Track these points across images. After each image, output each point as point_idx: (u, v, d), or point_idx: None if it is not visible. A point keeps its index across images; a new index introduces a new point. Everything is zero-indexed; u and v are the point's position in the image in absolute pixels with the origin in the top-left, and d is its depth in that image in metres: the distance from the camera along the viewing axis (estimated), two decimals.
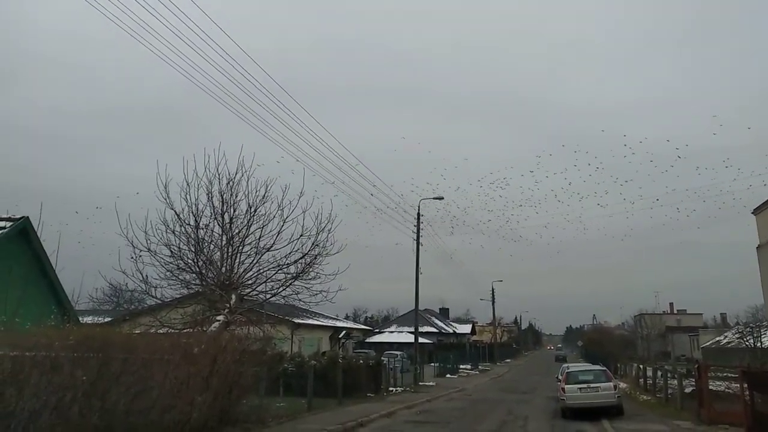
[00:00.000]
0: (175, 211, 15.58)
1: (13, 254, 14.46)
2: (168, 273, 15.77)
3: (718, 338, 52.04)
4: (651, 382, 27.18)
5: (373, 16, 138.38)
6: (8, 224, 14.73)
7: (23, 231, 15.20)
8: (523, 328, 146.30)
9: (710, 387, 17.00)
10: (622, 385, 27.19)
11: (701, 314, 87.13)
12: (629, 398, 24.35)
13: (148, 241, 15.19)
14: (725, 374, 19.16)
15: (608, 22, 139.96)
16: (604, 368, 22.33)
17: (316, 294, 16.96)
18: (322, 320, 43.94)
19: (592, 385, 18.78)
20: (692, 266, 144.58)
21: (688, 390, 19.95)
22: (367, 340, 58.08)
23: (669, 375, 24.00)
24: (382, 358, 30.31)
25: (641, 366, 32.96)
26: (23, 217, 15.09)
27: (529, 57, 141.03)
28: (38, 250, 15.01)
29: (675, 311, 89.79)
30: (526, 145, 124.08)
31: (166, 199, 15.50)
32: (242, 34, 18.56)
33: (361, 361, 25.85)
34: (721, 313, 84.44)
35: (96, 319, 18.99)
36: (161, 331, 15.21)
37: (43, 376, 8.49)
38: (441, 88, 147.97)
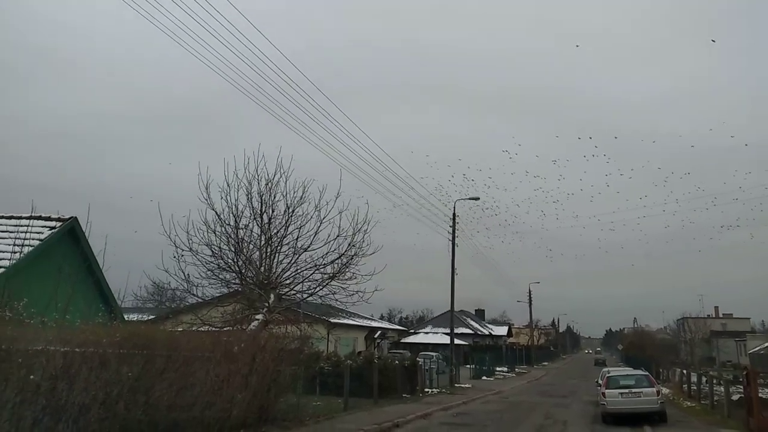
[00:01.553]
0: (215, 212, 15.94)
1: (62, 253, 15.00)
2: (209, 272, 16.15)
3: (766, 344, 50.10)
4: (695, 388, 26.34)
5: (400, 15, 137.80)
6: (58, 224, 15.28)
7: (72, 231, 15.75)
8: (561, 330, 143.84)
9: (760, 395, 16.36)
10: (665, 390, 26.43)
11: (749, 318, 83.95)
12: (672, 404, 23.64)
13: (190, 241, 15.59)
14: None
15: (634, 12, 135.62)
16: (646, 373, 21.74)
17: (353, 294, 17.10)
18: (357, 320, 44.20)
19: (633, 390, 18.30)
20: (739, 268, 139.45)
21: (735, 397, 19.25)
22: (402, 341, 58.06)
23: (715, 381, 23.22)
24: (418, 358, 30.23)
25: (685, 371, 31.99)
26: (72, 217, 15.65)
27: (554, 52, 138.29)
28: (86, 249, 15.52)
29: (720, 315, 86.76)
30: (558, 142, 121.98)
31: (206, 200, 15.87)
32: (272, 33, 18.69)
33: (397, 362, 25.85)
34: None
35: (140, 316, 19.53)
36: (202, 329, 15.56)
37: (92, 372, 8.76)
38: (468, 85, 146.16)
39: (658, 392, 18.45)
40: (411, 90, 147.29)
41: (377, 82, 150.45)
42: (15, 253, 12.42)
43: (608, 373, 22.15)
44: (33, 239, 13.99)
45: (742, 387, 18.74)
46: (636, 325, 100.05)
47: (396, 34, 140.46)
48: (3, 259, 13.07)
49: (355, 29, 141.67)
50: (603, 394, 18.73)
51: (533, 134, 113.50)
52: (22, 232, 13.06)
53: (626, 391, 18.29)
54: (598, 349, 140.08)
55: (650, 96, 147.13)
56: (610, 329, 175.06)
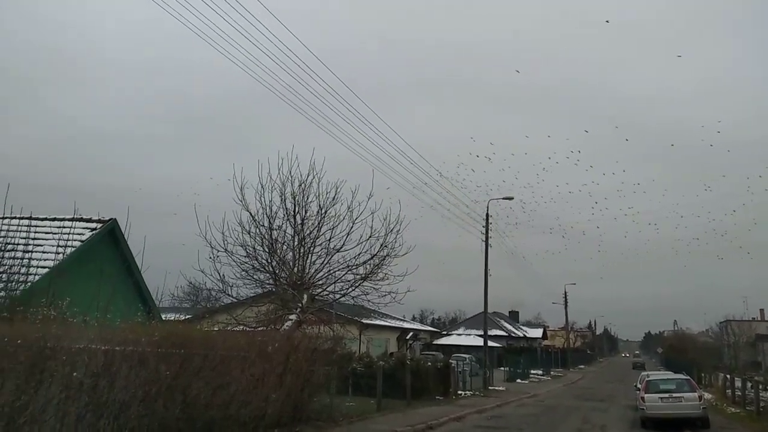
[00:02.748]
0: (250, 213, 16.17)
1: (102, 254, 15.40)
2: (243, 273, 16.41)
3: None
4: (740, 393, 25.43)
5: (429, 11, 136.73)
6: (98, 226, 15.71)
7: (111, 232, 16.17)
8: (598, 333, 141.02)
9: None
10: (707, 395, 25.62)
11: None
12: (715, 410, 22.89)
13: (225, 242, 15.86)
14: None
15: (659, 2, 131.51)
16: (688, 377, 21.10)
17: (385, 295, 17.12)
18: (389, 321, 44.19)
19: (674, 394, 17.77)
20: None
21: None
22: (435, 342, 57.78)
23: (761, 386, 22.37)
24: (450, 360, 30.04)
25: (728, 376, 30.92)
26: (111, 219, 16.06)
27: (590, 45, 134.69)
28: (125, 250, 15.92)
29: (766, 318, 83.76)
30: (591, 138, 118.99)
31: (241, 201, 16.11)
32: (300, 32, 18.66)
33: (429, 363, 25.74)
34: None
35: (176, 316, 19.92)
36: (237, 329, 15.79)
37: (131, 370, 8.97)
38: (499, 80, 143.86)
39: (700, 397, 17.86)
40: (441, 87, 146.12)
41: (406, 80, 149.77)
42: (58, 254, 12.80)
43: (648, 376, 21.58)
44: (75, 240, 14.38)
45: None
46: (676, 328, 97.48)
47: (421, 34, 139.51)
48: (47, 259, 13.48)
49: (383, 28, 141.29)
50: (642, 398, 18.25)
51: (570, 129, 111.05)
52: (65, 234, 13.47)
53: (667, 395, 17.78)
54: (637, 352, 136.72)
55: (695, 88, 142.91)
56: (649, 332, 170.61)
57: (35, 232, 15.01)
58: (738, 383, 26.51)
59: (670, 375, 23.28)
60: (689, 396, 17.63)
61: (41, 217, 16.20)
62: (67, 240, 13.28)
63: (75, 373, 8.15)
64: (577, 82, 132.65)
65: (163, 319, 17.34)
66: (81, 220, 15.31)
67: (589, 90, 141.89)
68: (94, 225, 15.69)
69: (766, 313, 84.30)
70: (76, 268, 13.96)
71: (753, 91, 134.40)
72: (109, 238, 16.27)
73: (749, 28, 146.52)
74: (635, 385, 24.67)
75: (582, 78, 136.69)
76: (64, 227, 14.17)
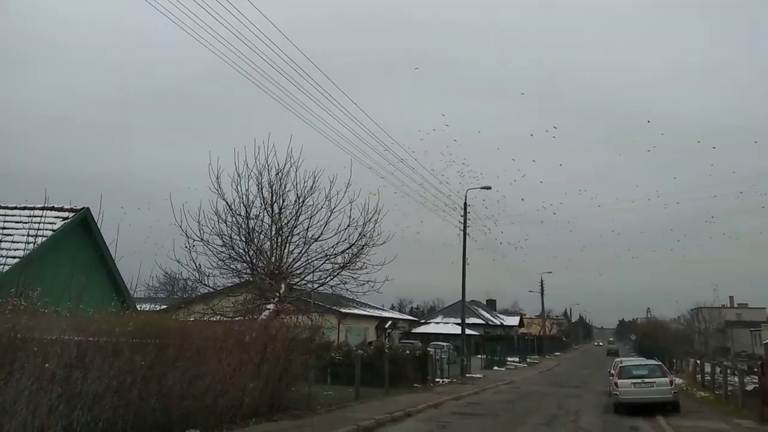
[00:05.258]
0: (226, 202, 15.98)
1: (75, 243, 15.14)
2: (220, 262, 16.25)
3: None
4: (709, 378, 26.14)
5: None
6: (70, 215, 15.41)
7: (84, 221, 15.87)
8: (573, 320, 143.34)
9: None
10: (678, 381, 26.25)
11: (764, 308, 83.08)
12: (686, 395, 23.48)
13: (201, 231, 15.66)
14: None
15: None
16: (660, 363, 21.58)
17: (363, 284, 17.13)
18: (368, 310, 44.36)
19: (646, 380, 18.18)
20: (755, 257, 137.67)
21: (749, 387, 19.06)
22: (413, 331, 58.19)
23: (729, 371, 23.02)
24: (429, 349, 30.28)
25: (699, 361, 31.73)
26: (84, 207, 15.76)
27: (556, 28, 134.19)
28: (98, 239, 15.65)
29: (735, 305, 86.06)
30: (557, 122, 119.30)
31: (217, 190, 15.91)
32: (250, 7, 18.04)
33: (408, 352, 25.91)
34: None
35: (152, 306, 19.70)
36: (214, 319, 15.67)
37: (105, 361, 8.87)
38: (465, 61, 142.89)
39: (671, 382, 18.32)
40: (401, 66, 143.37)
41: (366, 59, 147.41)
42: (29, 243, 12.52)
43: (621, 363, 22.03)
44: (46, 230, 14.10)
45: (756, 377, 18.55)
46: (649, 315, 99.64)
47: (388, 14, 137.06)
48: (17, 249, 13.20)
49: (348, 8, 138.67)
50: (615, 384, 18.64)
51: (535, 114, 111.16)
52: (35, 223, 13.18)
53: (639, 381, 18.19)
54: (611, 339, 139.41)
55: (658, 75, 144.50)
56: (623, 319, 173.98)
57: (5, 222, 14.69)
58: (708, 368, 27.23)
59: (643, 361, 23.77)
60: (661, 381, 18.06)
61: (11, 206, 15.86)
62: (38, 229, 12.99)
63: (47, 365, 8.03)
64: (544, 64, 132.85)
65: (138, 309, 17.12)
66: (52, 209, 15.00)
67: (556, 73, 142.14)
68: (66, 214, 15.38)
69: (736, 300, 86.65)
70: (47, 258, 13.69)
71: (724, 77, 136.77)
72: (82, 227, 15.98)
73: (717, 10, 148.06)
74: (609, 372, 25.19)
75: (549, 60, 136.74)
76: (35, 216, 13.85)
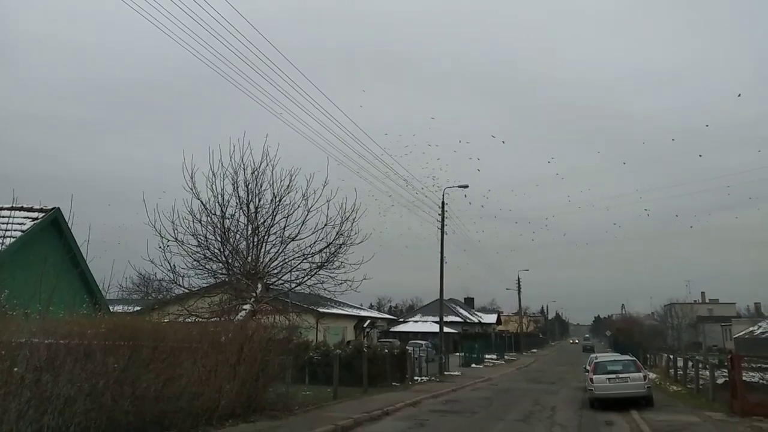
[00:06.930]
0: (201, 201, 15.80)
1: (46, 244, 14.81)
2: (195, 262, 16.06)
3: (751, 328, 50.87)
4: (681, 372, 26.69)
5: None
6: (40, 215, 15.07)
7: (55, 221, 15.54)
8: (550, 317, 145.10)
9: (744, 378, 16.59)
10: (652, 375, 26.74)
11: (734, 304, 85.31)
12: (659, 389, 23.94)
13: (176, 231, 15.46)
14: (759, 365, 18.67)
15: None
16: (634, 358, 21.95)
17: (341, 283, 17.10)
18: (346, 309, 44.26)
19: (621, 375, 18.50)
20: (725, 254, 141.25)
21: (720, 381, 19.51)
22: (392, 330, 58.25)
23: (700, 365, 23.52)
24: (407, 347, 30.33)
25: (671, 356, 32.37)
26: (54, 207, 15.43)
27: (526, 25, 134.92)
28: (69, 240, 15.32)
29: (707, 301, 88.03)
30: (525, 122, 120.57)
31: (192, 189, 15.71)
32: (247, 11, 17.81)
33: (386, 351, 25.91)
34: (755, 303, 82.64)
35: (125, 308, 19.37)
36: (189, 320, 15.47)
37: (77, 364, 8.69)
38: (429, 57, 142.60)
39: (645, 377, 18.67)
40: (365, 62, 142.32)
41: (329, 54, 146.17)
42: None
43: (596, 359, 22.35)
44: (15, 230, 13.77)
45: (726, 371, 18.99)
46: (624, 312, 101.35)
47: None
48: None
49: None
50: (591, 379, 18.91)
51: (502, 112, 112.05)
52: (3, 224, 12.85)
53: (614, 376, 18.48)
54: (587, 336, 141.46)
55: (632, 75, 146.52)
56: (598, 316, 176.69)
57: None
58: (680, 363, 27.79)
59: (617, 357, 24.15)
60: (635, 376, 18.38)
61: None
62: (6, 230, 12.67)
63: (15, 368, 7.85)
64: (512, 63, 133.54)
65: (112, 310, 16.82)
66: (21, 209, 14.67)
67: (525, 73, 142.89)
68: (35, 214, 15.06)
69: (707, 296, 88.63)
70: (17, 259, 13.38)
71: (695, 77, 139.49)
72: (53, 227, 15.64)
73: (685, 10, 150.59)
74: (584, 368, 25.53)
75: (517, 59, 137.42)
76: (2, 217, 13.51)
